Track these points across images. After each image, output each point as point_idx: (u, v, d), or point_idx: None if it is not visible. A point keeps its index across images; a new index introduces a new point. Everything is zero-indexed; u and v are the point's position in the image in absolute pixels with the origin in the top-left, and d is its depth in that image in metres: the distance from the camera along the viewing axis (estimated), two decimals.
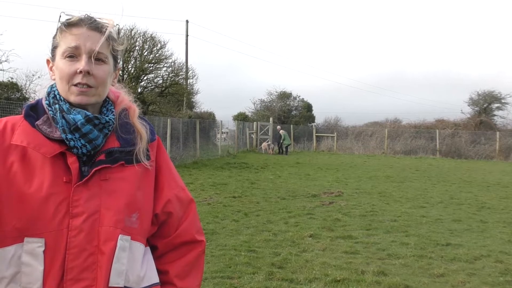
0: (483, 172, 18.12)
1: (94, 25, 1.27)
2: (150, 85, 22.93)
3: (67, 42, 1.25)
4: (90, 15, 1.29)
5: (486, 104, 34.03)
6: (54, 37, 1.30)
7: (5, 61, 15.62)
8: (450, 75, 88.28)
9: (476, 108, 34.47)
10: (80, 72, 1.23)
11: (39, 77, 16.39)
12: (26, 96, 15.86)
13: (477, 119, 33.13)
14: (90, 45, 1.25)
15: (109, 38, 1.29)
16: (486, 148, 28.22)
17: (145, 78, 22.33)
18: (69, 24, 1.26)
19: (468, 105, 34.93)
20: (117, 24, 1.34)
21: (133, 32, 21.10)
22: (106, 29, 1.29)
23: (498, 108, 34.21)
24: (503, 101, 33.68)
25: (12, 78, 15.72)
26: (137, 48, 21.15)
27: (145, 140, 1.37)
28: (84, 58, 1.24)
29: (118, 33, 1.35)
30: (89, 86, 1.25)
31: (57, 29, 1.29)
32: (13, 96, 14.88)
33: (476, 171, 18.54)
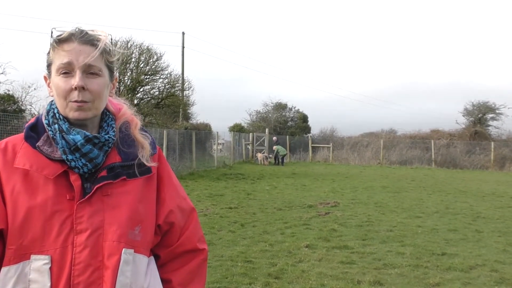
0: (478, 182, 18.20)
1: (85, 39, 1.27)
2: (146, 96, 22.97)
3: (60, 58, 1.25)
4: (81, 29, 1.29)
5: (480, 114, 34.27)
6: (48, 54, 1.31)
7: (2, 73, 15.66)
8: (447, 86, 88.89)
9: (470, 119, 34.70)
10: (75, 88, 1.24)
11: (35, 89, 16.40)
12: (23, 108, 15.87)
13: (472, 129, 33.34)
14: (83, 60, 1.25)
15: (102, 50, 1.29)
16: (481, 158, 28.35)
17: (141, 89, 22.38)
18: (60, 40, 1.26)
19: (463, 116, 35.22)
20: (109, 35, 1.34)
21: (129, 44, 21.21)
22: (98, 42, 1.29)
23: (493, 119, 34.49)
24: (497, 111, 33.97)
25: (8, 91, 15.73)
26: (133, 60, 21.22)
27: (148, 150, 1.39)
28: (78, 74, 1.24)
29: (112, 44, 1.36)
30: (85, 101, 1.25)
31: (50, 46, 1.29)
32: (9, 108, 14.88)
33: (471, 181, 18.62)
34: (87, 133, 1.28)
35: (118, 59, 1.39)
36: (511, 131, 33.67)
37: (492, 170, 26.75)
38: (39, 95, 16.63)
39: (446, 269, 5.59)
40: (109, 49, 1.33)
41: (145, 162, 1.37)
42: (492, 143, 28.78)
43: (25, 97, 16.25)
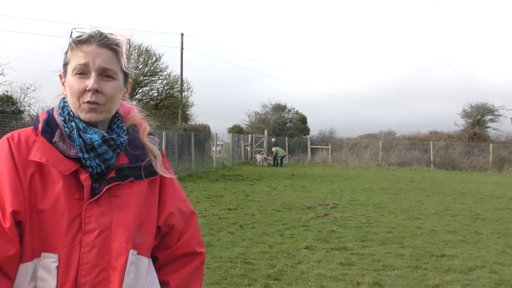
0: (477, 183, 18.21)
1: (104, 42, 1.28)
2: (145, 98, 22.97)
3: (77, 59, 1.26)
4: (101, 31, 1.30)
5: (479, 116, 34.32)
6: (65, 53, 1.32)
7: (1, 74, 15.65)
8: (446, 87, 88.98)
9: (469, 120, 34.75)
10: (89, 90, 1.25)
11: (33, 90, 16.43)
12: (21, 109, 15.86)
13: (471, 131, 33.39)
14: (99, 63, 1.26)
15: (119, 54, 1.31)
16: (480, 160, 28.40)
17: (140, 91, 22.37)
18: (79, 41, 1.28)
19: (462, 117, 35.27)
20: (128, 40, 1.35)
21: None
22: (116, 46, 1.30)
23: (491, 120, 34.54)
24: (496, 113, 34.03)
25: (7, 92, 15.73)
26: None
27: (159, 156, 1.41)
28: (93, 76, 1.25)
29: (129, 48, 1.37)
30: (98, 103, 1.26)
31: (68, 46, 1.31)
32: (8, 109, 14.88)
33: (470, 182, 18.63)
34: (104, 134, 1.29)
35: (134, 64, 1.40)
36: (509, 132, 33.82)
37: (491, 171, 26.78)
38: (38, 97, 16.65)
39: (445, 271, 5.59)
40: (126, 54, 1.34)
41: (161, 172, 1.40)
42: (491, 144, 28.84)
43: (24, 98, 16.28)
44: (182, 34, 30.74)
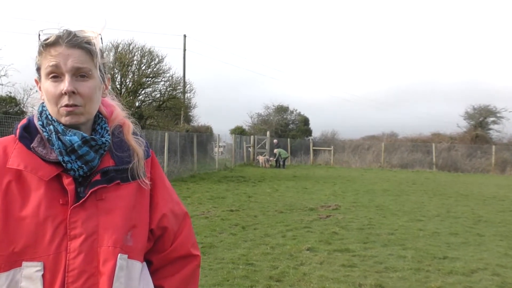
0: (480, 185, 18.18)
1: (73, 42, 1.22)
2: (148, 99, 22.99)
3: (47, 62, 1.22)
4: (69, 30, 1.24)
5: (481, 118, 34.26)
6: (36, 58, 1.27)
7: (4, 75, 15.69)
8: (448, 89, 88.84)
9: (471, 122, 34.69)
10: (65, 93, 1.20)
11: (36, 91, 16.44)
12: (24, 110, 15.91)
13: (473, 133, 33.33)
14: (71, 63, 1.21)
15: (91, 52, 1.25)
16: (482, 162, 28.34)
17: (142, 92, 22.39)
18: (47, 45, 1.22)
19: (464, 119, 35.20)
20: (99, 34, 1.28)
21: (131, 46, 21.26)
22: (87, 44, 1.24)
23: (494, 122, 34.45)
24: (498, 115, 33.96)
25: (10, 93, 15.79)
26: (135, 62, 21.26)
27: (142, 158, 1.36)
28: (67, 78, 1.20)
29: (102, 43, 1.31)
30: (76, 106, 1.22)
31: (37, 50, 1.25)
32: (11, 110, 14.94)
33: (473, 184, 18.60)
34: (84, 134, 1.24)
35: (108, 60, 1.34)
36: None
37: (493, 173, 26.73)
38: (37, 97, 16.74)
39: (447, 273, 5.59)
40: (99, 50, 1.28)
41: (139, 175, 1.34)
42: (493, 146, 28.76)
43: (27, 99, 16.30)
44: (184, 36, 30.82)
